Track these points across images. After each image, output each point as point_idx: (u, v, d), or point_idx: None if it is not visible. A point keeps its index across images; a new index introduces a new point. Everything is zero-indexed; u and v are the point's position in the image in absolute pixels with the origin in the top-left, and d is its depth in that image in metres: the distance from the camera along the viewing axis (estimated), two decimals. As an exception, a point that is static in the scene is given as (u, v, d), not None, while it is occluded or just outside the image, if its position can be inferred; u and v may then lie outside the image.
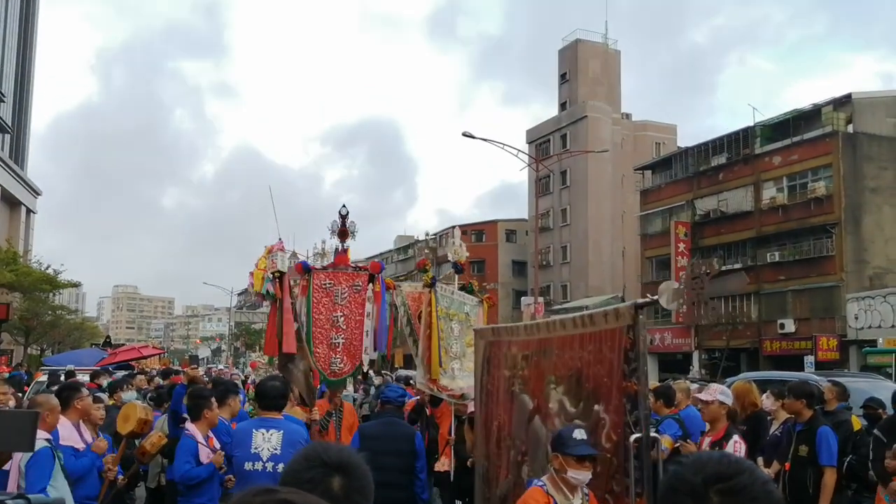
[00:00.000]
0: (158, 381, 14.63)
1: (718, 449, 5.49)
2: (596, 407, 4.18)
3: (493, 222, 62.48)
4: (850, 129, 35.18)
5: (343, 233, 7.68)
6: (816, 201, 34.78)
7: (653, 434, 3.71)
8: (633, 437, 3.71)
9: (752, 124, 39.04)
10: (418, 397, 9.02)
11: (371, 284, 7.47)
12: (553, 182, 53.78)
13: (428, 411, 8.74)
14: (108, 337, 39.94)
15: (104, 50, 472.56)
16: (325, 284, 7.47)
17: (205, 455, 5.43)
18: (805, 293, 35.23)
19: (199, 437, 5.53)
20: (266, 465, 5.05)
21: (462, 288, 8.67)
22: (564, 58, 57.22)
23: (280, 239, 7.27)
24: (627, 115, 57.72)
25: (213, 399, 5.84)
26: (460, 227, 59.54)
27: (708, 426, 6.15)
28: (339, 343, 7.28)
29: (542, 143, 55.20)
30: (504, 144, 31.40)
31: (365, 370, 7.81)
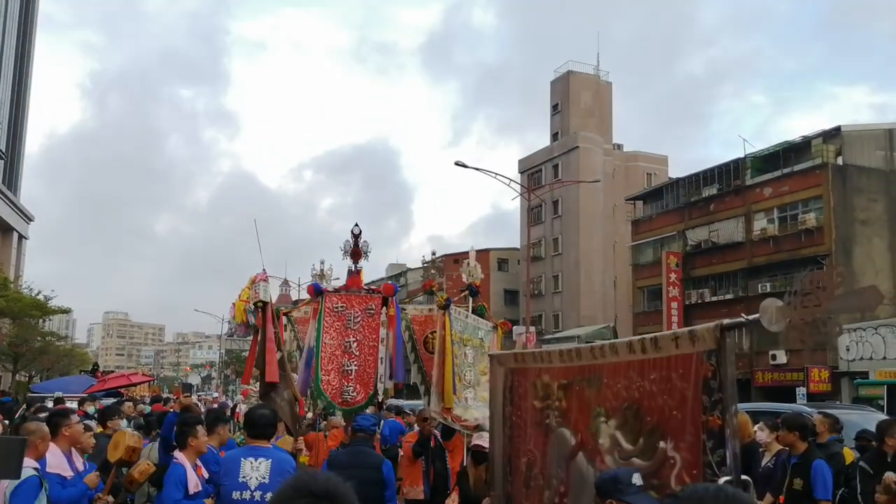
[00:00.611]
0: (143, 408, 14.50)
1: None
2: (662, 444, 3.69)
3: (486, 251, 62.49)
4: (840, 161, 35.54)
5: (356, 253, 7.34)
6: (807, 233, 35.01)
7: (743, 477, 3.27)
8: (721, 479, 3.23)
9: (742, 156, 39.42)
10: (419, 428, 8.45)
11: (385, 308, 7.06)
12: (545, 211, 53.99)
13: (435, 443, 8.20)
14: (95, 363, 39.53)
15: (99, 74, 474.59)
16: (336, 308, 7.09)
17: (193, 484, 5.34)
18: (797, 325, 35.13)
19: (188, 465, 5.45)
20: (254, 493, 5.00)
21: (474, 311, 8.20)
22: (556, 89, 57.78)
23: (264, 269, 7.18)
24: (619, 146, 58.18)
25: (200, 427, 5.77)
26: (451, 255, 59.66)
27: None
28: (351, 370, 6.91)
29: (534, 173, 55.51)
30: (496, 174, 31.62)
31: (380, 399, 7.28)
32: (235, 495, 5.01)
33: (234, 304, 7.21)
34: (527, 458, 5.15)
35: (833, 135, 36.05)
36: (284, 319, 8.27)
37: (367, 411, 10.97)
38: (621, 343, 4.22)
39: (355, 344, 6.97)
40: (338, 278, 8.07)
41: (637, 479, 3.48)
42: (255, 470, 5.07)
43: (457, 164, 30.50)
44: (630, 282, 46.54)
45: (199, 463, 5.62)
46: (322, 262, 7.52)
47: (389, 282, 7.68)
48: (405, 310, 8.13)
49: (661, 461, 3.66)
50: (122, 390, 20.60)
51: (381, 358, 6.92)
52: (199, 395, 37.44)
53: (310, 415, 9.95)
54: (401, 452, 8.73)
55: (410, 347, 7.80)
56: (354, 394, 6.89)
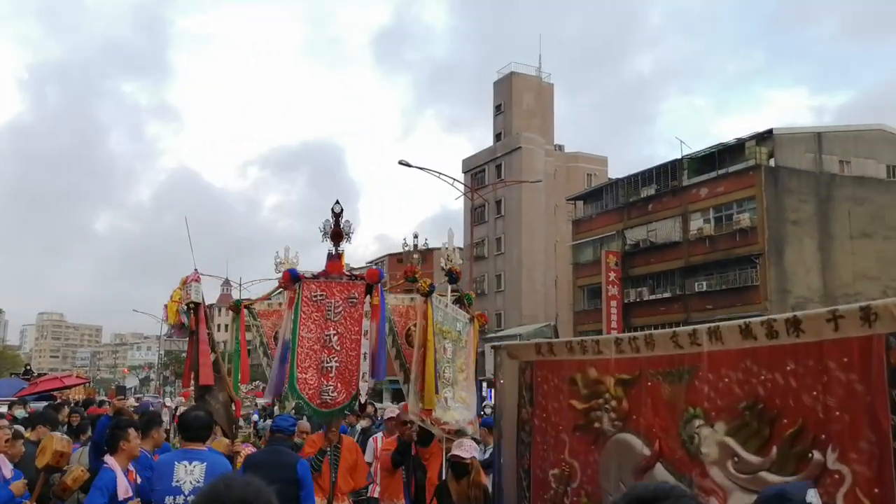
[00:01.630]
0: (68, 411, 14.01)
1: None
2: (815, 455, 2.96)
3: (430, 250, 62.51)
4: (773, 163, 36.67)
5: (337, 234, 6.51)
6: (741, 232, 36.03)
7: None
8: None
9: (679, 157, 40.35)
10: (398, 434, 7.45)
11: (368, 297, 6.24)
12: (488, 211, 54.28)
13: (416, 451, 7.24)
14: (27, 366, 38.15)
15: (36, 67, 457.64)
16: (315, 296, 6.33)
17: (123, 490, 5.16)
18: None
19: (119, 470, 5.27)
20: (188, 498, 4.87)
21: (458, 301, 7.31)
22: (499, 89, 58.15)
23: (196, 269, 6.85)
24: (560, 147, 58.89)
25: (133, 430, 5.58)
26: (394, 255, 59.48)
27: None
28: (331, 367, 6.20)
29: (477, 173, 55.76)
30: (440, 173, 31.65)
31: (362, 401, 6.50)
32: (168, 500, 4.88)
33: (166, 305, 6.99)
34: (559, 469, 4.41)
35: (766, 137, 37.18)
36: (246, 313, 7.82)
37: (360, 424, 9.98)
38: (729, 327, 3.44)
39: (336, 337, 6.23)
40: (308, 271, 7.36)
41: (813, 498, 2.67)
42: (189, 474, 4.94)
43: (401, 163, 30.42)
44: (571, 281, 47.18)
45: (131, 468, 5.45)
46: (287, 250, 6.77)
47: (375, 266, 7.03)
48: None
49: (815, 475, 2.93)
50: (56, 393, 19.93)
51: (364, 353, 6.10)
52: (137, 398, 36.46)
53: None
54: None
55: (391, 341, 7.02)
56: (335, 394, 6.16)
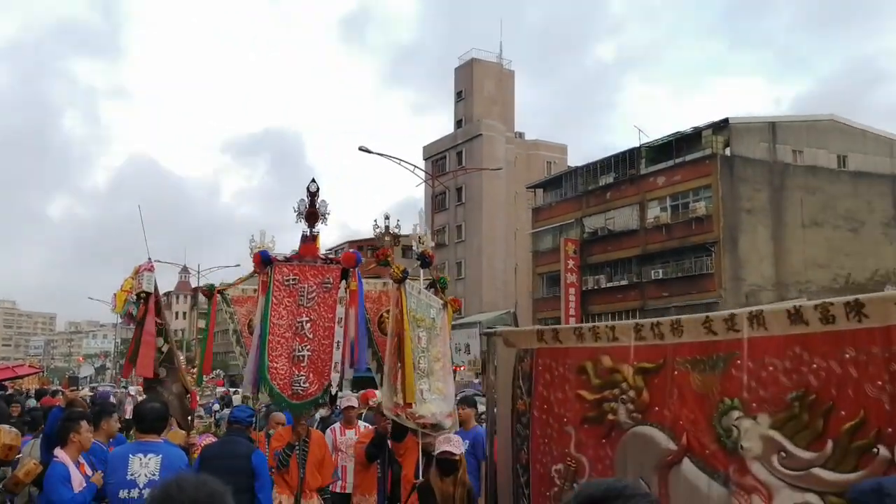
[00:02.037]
0: (18, 403, 13.57)
1: None
2: (881, 451, 2.74)
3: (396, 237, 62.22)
4: (728, 152, 37.10)
5: (312, 215, 6.17)
6: (697, 221, 36.46)
7: None
8: None
9: (637, 145, 40.60)
10: (376, 426, 7.02)
11: (344, 282, 5.96)
12: (449, 199, 54.18)
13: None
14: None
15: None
16: (288, 281, 6.00)
17: (77, 482, 5.09)
18: (686, 309, 36.59)
19: (70, 463, 5.20)
20: (143, 492, 4.79)
21: (431, 285, 6.98)
22: (460, 76, 57.95)
23: (149, 258, 6.66)
24: (521, 135, 58.95)
25: (84, 422, 5.49)
26: (353, 242, 59.06)
27: None
28: (303, 356, 5.87)
29: (438, 160, 55.61)
30: (400, 160, 31.30)
31: (333, 392, 6.13)
32: (123, 493, 4.80)
33: (115, 294, 6.78)
34: (563, 464, 4.14)
35: (721, 126, 37.61)
36: (219, 298, 7.66)
37: (320, 413, 8.79)
38: (774, 312, 3.18)
39: (308, 324, 5.89)
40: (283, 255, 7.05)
41: None
42: (144, 467, 4.86)
43: (361, 149, 30.06)
44: (530, 268, 47.36)
45: (81, 460, 5.37)
46: (263, 234, 6.43)
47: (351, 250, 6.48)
48: None
49: (880, 473, 2.70)
50: (8, 383, 19.37)
51: (338, 342, 5.82)
52: (93, 387, 35.62)
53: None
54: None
55: (363, 330, 6.56)
56: (307, 384, 5.82)
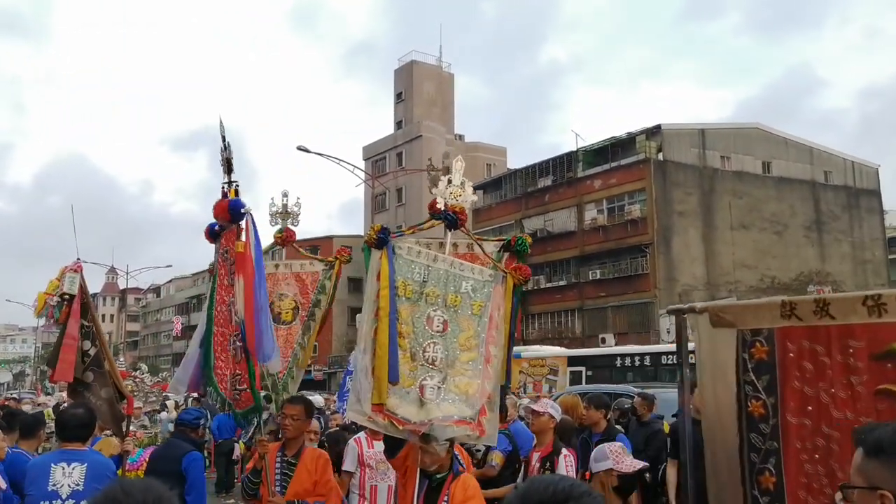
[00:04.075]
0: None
1: (549, 464, 5.50)
2: None
3: (329, 238, 61.75)
4: (661, 157, 38.24)
5: (227, 162, 5.07)
6: (632, 223, 37.43)
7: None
8: None
9: (575, 149, 41.48)
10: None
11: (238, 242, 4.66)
12: (389, 199, 54.13)
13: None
14: None
15: None
16: (224, 253, 4.96)
17: None
18: (623, 309, 37.68)
19: None
20: (66, 503, 4.53)
21: (506, 248, 5.52)
22: (400, 77, 58.02)
23: (77, 258, 6.19)
24: (460, 137, 59.35)
25: None
26: (300, 242, 58.32)
27: (535, 439, 6.19)
28: (238, 348, 4.77)
29: (378, 160, 55.51)
30: (339, 160, 31.17)
31: (264, 394, 5.00)
32: None
33: (38, 294, 6.44)
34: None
35: (654, 132, 38.72)
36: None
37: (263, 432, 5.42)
38: None
39: (234, 307, 4.77)
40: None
41: None
42: (67, 476, 4.57)
43: (299, 148, 29.78)
44: (470, 269, 47.70)
45: None
46: (285, 195, 5.46)
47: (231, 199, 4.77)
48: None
49: None
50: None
51: (238, 322, 4.58)
52: (6, 396, 34.18)
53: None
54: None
55: (261, 304, 4.92)
56: (242, 386, 4.74)
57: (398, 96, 58.18)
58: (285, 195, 5.81)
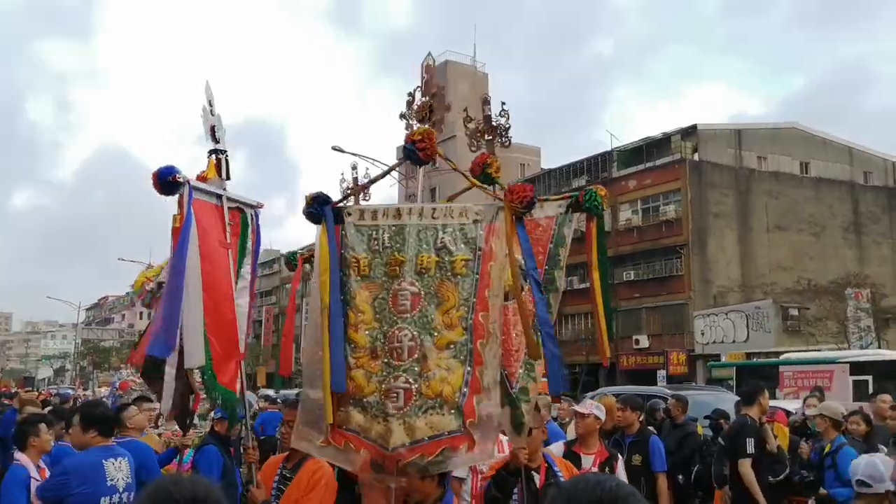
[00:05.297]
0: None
1: (608, 470, 5.19)
2: None
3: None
4: (696, 157, 37.87)
5: (213, 131, 4.52)
6: (667, 224, 37.12)
7: None
8: None
9: (609, 149, 41.28)
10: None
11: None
12: (423, 199, 54.26)
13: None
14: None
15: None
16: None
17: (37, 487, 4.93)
18: (657, 310, 37.40)
19: (31, 467, 5.06)
20: (122, 496, 4.66)
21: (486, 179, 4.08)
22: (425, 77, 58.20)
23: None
24: (494, 137, 59.39)
25: (42, 425, 5.35)
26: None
27: (578, 440, 5.71)
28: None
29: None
30: (374, 160, 31.47)
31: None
32: (104, 501, 4.57)
33: (141, 272, 6.46)
34: None
35: (690, 132, 38.35)
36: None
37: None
38: None
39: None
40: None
41: None
42: (118, 471, 4.72)
43: (334, 148, 30.11)
44: (503, 269, 47.70)
45: (42, 464, 5.23)
46: (354, 169, 5.02)
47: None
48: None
49: None
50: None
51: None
52: (46, 390, 34.90)
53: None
54: None
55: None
56: (224, 375, 4.36)
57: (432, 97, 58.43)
58: (354, 168, 5.28)
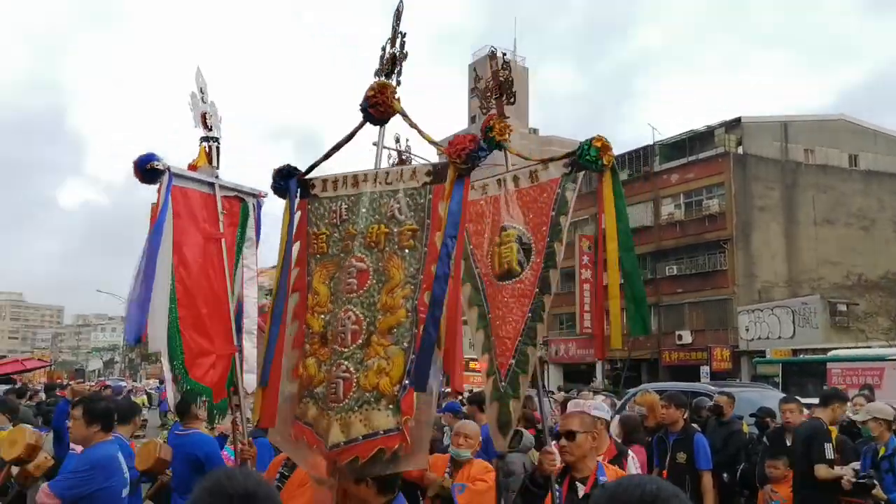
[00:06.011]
0: (41, 396, 13.85)
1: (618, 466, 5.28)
2: None
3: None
4: (741, 150, 37.22)
5: (203, 118, 4.33)
6: (710, 218, 36.56)
7: None
8: None
9: (651, 143, 40.77)
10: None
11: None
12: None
13: None
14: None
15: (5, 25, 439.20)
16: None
17: None
18: (700, 306, 36.90)
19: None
20: (127, 487, 4.75)
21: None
22: (474, 72, 58.15)
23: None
24: (535, 130, 59.17)
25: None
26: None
27: None
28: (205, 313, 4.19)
29: (450, 156, 55.90)
30: (415, 155, 31.47)
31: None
32: (124, 493, 4.65)
33: None
34: None
35: (734, 125, 37.68)
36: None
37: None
38: None
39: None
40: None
41: None
42: (125, 463, 4.79)
43: (374, 144, 30.22)
44: (543, 264, 47.51)
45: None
46: (397, 141, 4.92)
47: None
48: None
49: None
50: (16, 376, 19.68)
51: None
52: (95, 382, 35.72)
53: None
54: None
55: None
56: (210, 370, 4.23)
57: (472, 91, 58.36)
58: (397, 140, 5.21)
